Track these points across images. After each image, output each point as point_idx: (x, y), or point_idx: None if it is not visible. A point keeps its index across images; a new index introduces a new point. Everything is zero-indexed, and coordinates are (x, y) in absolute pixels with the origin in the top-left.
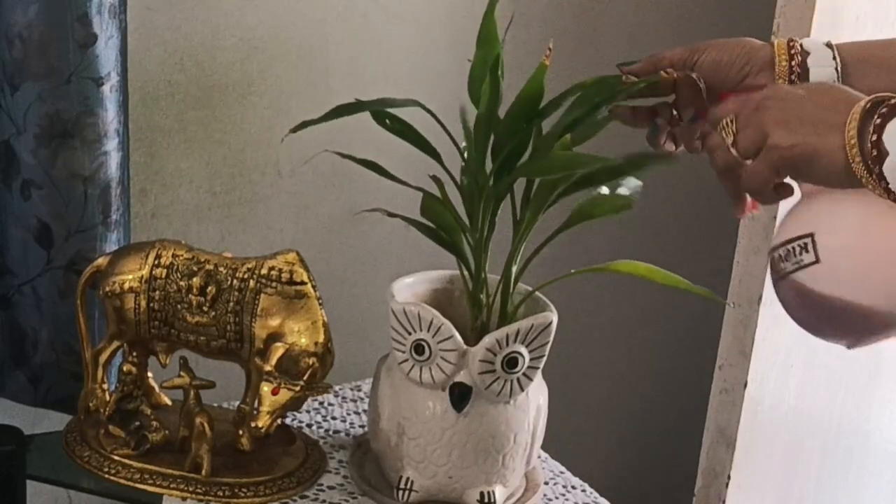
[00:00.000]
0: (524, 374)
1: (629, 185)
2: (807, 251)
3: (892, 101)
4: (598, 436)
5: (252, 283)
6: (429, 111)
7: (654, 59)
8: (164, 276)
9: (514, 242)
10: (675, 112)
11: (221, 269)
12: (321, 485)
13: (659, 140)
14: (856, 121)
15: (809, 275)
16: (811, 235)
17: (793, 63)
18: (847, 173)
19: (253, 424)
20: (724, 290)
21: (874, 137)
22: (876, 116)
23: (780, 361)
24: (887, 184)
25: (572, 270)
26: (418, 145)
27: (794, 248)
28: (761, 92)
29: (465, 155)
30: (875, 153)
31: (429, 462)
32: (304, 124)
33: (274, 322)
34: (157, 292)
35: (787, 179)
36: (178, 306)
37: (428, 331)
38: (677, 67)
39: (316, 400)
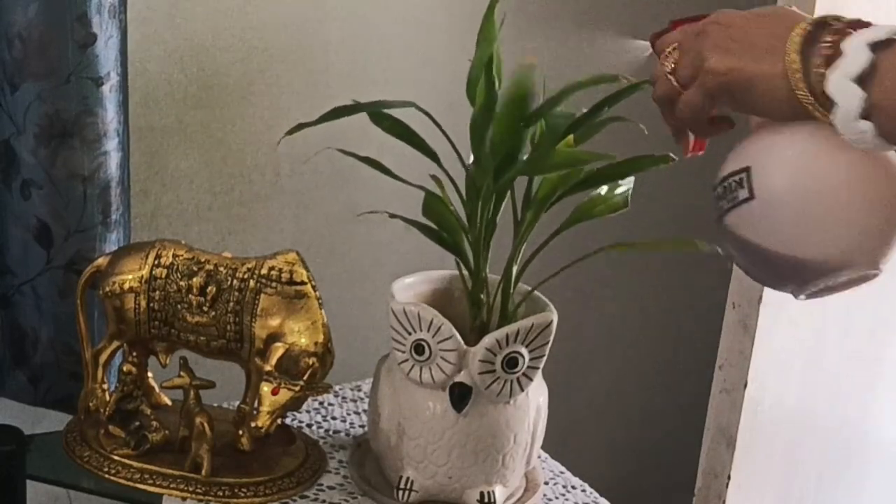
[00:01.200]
0: (524, 374)
1: (625, 185)
2: (741, 187)
3: (837, 24)
4: (598, 436)
5: (252, 283)
6: (425, 112)
7: None
8: (164, 276)
9: (514, 243)
10: None
11: (221, 269)
12: (321, 485)
13: None
14: (796, 43)
15: (744, 213)
16: (747, 169)
17: None
18: (790, 102)
19: (253, 424)
20: (724, 290)
21: (818, 76)
22: (817, 42)
23: (780, 361)
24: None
25: (567, 267)
26: (416, 146)
27: (729, 183)
28: (707, 17)
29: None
30: (820, 92)
31: (429, 462)
32: (300, 126)
33: (274, 322)
34: (157, 292)
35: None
36: (178, 306)
37: (428, 331)
38: None
39: (316, 400)
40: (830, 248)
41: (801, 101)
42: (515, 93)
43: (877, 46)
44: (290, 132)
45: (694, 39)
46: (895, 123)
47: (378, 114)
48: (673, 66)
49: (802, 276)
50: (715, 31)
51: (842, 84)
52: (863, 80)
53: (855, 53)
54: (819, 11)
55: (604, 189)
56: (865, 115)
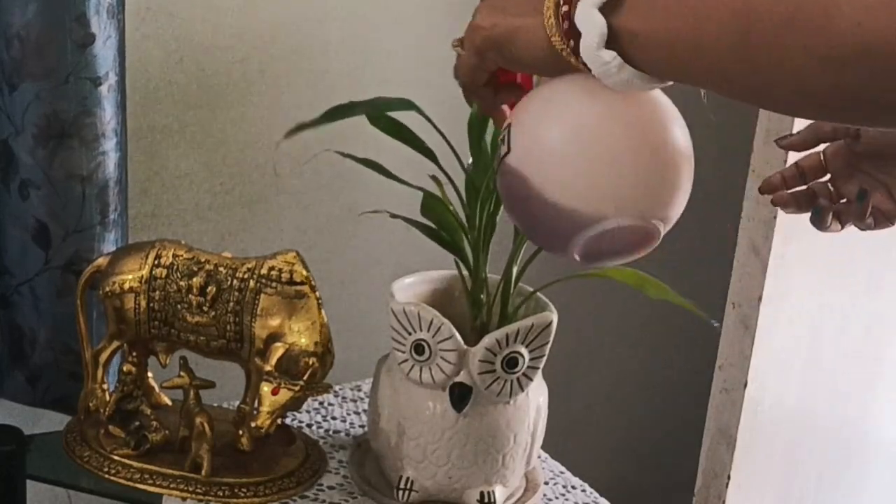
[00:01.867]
0: (524, 374)
1: None
2: (503, 143)
3: None
4: (598, 436)
5: (252, 283)
6: (421, 112)
7: (815, 128)
8: (164, 276)
9: (514, 243)
10: (832, 189)
11: (221, 269)
12: (321, 485)
13: (824, 223)
14: None
15: (504, 168)
16: (508, 126)
17: None
18: (551, 54)
19: (253, 424)
20: (724, 290)
21: (565, 8)
22: None
23: (780, 361)
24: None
25: (566, 274)
26: (413, 146)
27: (501, 139)
28: None
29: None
30: (567, 26)
31: (429, 462)
32: (299, 127)
33: (274, 322)
34: (157, 292)
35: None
36: (178, 306)
37: (428, 331)
38: (840, 134)
39: (316, 400)
40: (584, 196)
41: (555, 47)
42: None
43: None
44: (289, 134)
45: (478, 7)
46: (644, 51)
47: (375, 115)
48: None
49: (564, 229)
50: None
51: (585, 13)
52: (610, 9)
53: None
54: None
55: None
56: (610, 45)
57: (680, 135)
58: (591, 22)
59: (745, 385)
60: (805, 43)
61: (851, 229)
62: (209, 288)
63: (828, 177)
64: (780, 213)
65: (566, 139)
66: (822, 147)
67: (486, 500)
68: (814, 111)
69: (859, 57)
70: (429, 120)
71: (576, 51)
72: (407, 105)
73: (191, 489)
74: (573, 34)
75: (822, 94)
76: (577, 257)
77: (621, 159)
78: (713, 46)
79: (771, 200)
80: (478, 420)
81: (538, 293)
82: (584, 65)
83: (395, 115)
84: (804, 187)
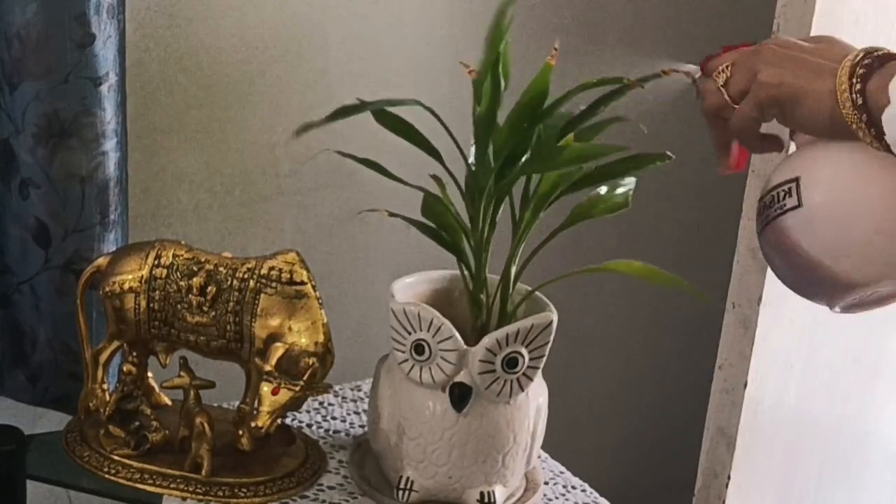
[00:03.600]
0: (524, 374)
1: (627, 185)
2: (790, 195)
3: (881, 52)
4: (598, 436)
5: (252, 283)
6: (430, 110)
7: None
8: (164, 276)
9: (513, 243)
10: None
11: (221, 269)
12: (321, 485)
13: None
14: (847, 67)
15: (790, 221)
16: (796, 179)
17: None
18: (833, 119)
19: (253, 424)
20: (724, 290)
21: (859, 86)
22: (859, 67)
23: (780, 361)
24: (880, 134)
25: (570, 271)
26: (419, 145)
27: (778, 192)
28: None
29: (471, 155)
30: (860, 101)
31: (429, 462)
32: (307, 126)
33: (274, 322)
34: (157, 292)
35: (779, 133)
36: (178, 306)
37: (428, 331)
38: None
39: (316, 400)
40: (864, 263)
41: (846, 119)
42: (533, 91)
43: None
44: (298, 133)
45: (748, 57)
46: None
47: (382, 112)
48: (725, 80)
49: (836, 287)
50: (769, 49)
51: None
52: None
53: None
54: (819, 11)
55: (604, 189)
56: None
57: None
58: None
59: (745, 385)
60: None
61: None
62: (209, 288)
63: None
64: None
65: (861, 207)
66: None
67: (486, 500)
68: None
69: None
70: (439, 119)
71: (868, 124)
72: (413, 103)
73: (191, 489)
74: (866, 108)
75: None
76: (837, 309)
77: None
78: None
79: None
80: (478, 420)
81: (538, 293)
82: (874, 138)
83: (400, 113)
84: None
